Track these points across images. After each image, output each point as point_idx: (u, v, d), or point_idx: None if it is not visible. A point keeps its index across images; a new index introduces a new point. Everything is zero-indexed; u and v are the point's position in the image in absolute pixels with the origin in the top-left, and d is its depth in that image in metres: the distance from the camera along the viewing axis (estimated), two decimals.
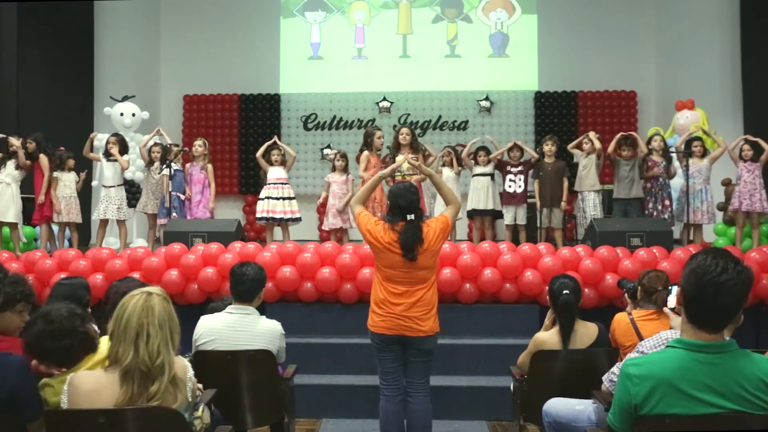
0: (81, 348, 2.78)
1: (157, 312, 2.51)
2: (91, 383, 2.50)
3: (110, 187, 7.90)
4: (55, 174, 7.84)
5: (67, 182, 7.85)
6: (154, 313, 2.50)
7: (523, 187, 8.06)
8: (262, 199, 7.92)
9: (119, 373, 2.46)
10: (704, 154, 7.86)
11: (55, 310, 2.82)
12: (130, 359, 2.45)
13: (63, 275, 6.08)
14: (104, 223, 7.96)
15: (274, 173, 7.94)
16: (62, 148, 8.04)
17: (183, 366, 2.60)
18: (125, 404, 2.46)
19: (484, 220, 8.27)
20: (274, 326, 3.85)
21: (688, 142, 7.96)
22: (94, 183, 9.22)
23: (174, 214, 7.77)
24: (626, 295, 4.25)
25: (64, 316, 2.77)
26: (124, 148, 8.06)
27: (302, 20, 12.38)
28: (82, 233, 8.59)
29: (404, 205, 3.87)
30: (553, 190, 7.87)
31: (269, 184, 7.93)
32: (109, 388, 2.47)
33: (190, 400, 2.60)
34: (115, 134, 8.27)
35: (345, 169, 8.06)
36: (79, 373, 2.56)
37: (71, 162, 7.93)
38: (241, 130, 12.23)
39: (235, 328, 3.76)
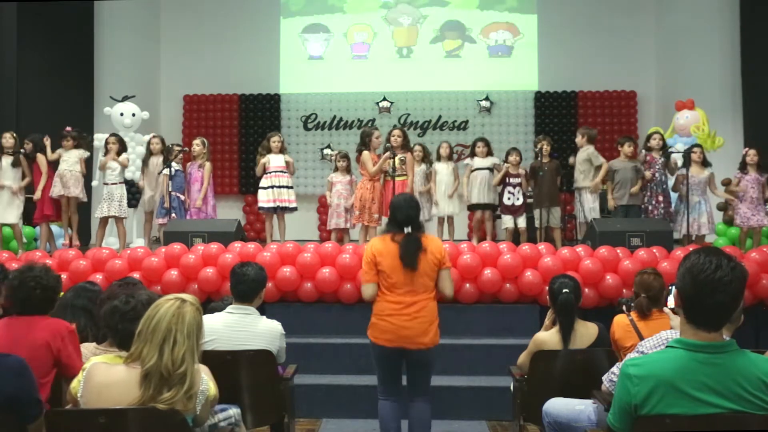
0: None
1: (188, 320, 2.51)
2: (104, 377, 2.50)
3: (112, 184, 7.92)
4: (57, 151, 7.88)
5: (66, 157, 7.84)
6: (184, 321, 2.50)
7: (521, 200, 8.07)
8: (266, 188, 7.88)
9: (141, 373, 2.46)
10: (704, 161, 7.80)
11: (137, 294, 2.87)
12: (153, 362, 2.44)
13: (63, 275, 6.11)
14: (104, 222, 7.96)
15: (276, 161, 7.92)
16: (68, 128, 8.02)
17: (200, 378, 2.59)
18: (138, 405, 2.45)
19: (483, 213, 8.28)
20: (274, 326, 3.85)
21: (688, 151, 7.88)
22: (94, 183, 9.22)
23: (173, 214, 7.78)
24: (624, 308, 4.21)
25: (142, 301, 2.81)
26: (123, 148, 8.08)
27: (300, 19, 12.34)
28: (83, 234, 8.59)
29: (401, 219, 3.94)
30: (550, 190, 7.87)
31: (271, 172, 7.90)
32: (123, 385, 2.47)
33: (198, 413, 2.58)
34: (114, 134, 8.28)
35: (347, 170, 8.07)
36: (98, 364, 2.56)
37: (68, 143, 7.89)
38: (241, 130, 12.23)
39: (236, 328, 3.76)
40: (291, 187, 8.00)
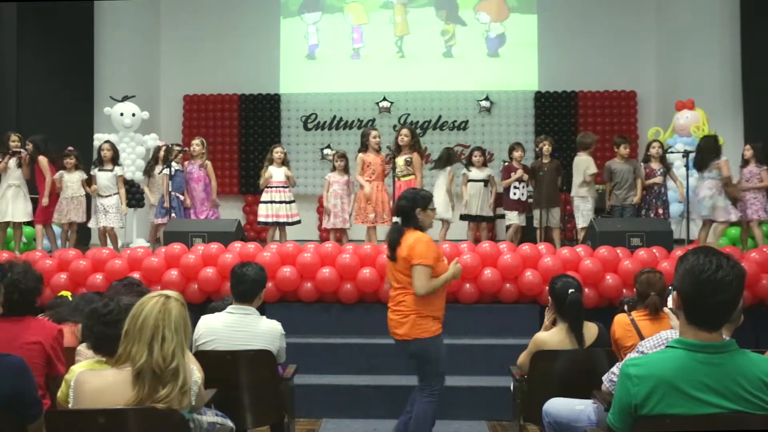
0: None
1: (174, 316, 2.51)
2: (95, 382, 2.50)
3: (106, 196, 7.95)
4: (56, 175, 7.85)
5: (69, 183, 7.85)
6: (171, 316, 2.50)
7: (526, 195, 8.07)
8: (266, 203, 7.96)
9: (132, 373, 2.46)
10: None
11: (117, 299, 2.92)
12: (143, 360, 2.44)
13: (63, 275, 6.12)
14: (103, 230, 8.00)
15: (278, 175, 7.97)
16: (70, 148, 8.03)
17: (191, 370, 2.60)
18: (135, 405, 2.45)
19: (478, 225, 8.29)
20: (274, 326, 3.85)
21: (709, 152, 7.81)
22: (93, 187, 9.22)
23: (173, 214, 7.79)
24: (625, 307, 4.21)
25: (120, 306, 2.84)
26: (116, 156, 8.11)
27: (300, 20, 12.36)
28: (83, 233, 8.59)
29: (394, 211, 4.26)
30: (550, 190, 7.87)
31: (272, 187, 7.97)
32: (115, 387, 2.47)
33: (194, 404, 2.59)
34: (108, 141, 8.30)
35: (345, 170, 8.07)
36: (86, 371, 2.56)
37: (71, 161, 7.91)
38: (241, 130, 12.22)
39: (236, 328, 3.76)
40: (292, 201, 8.04)
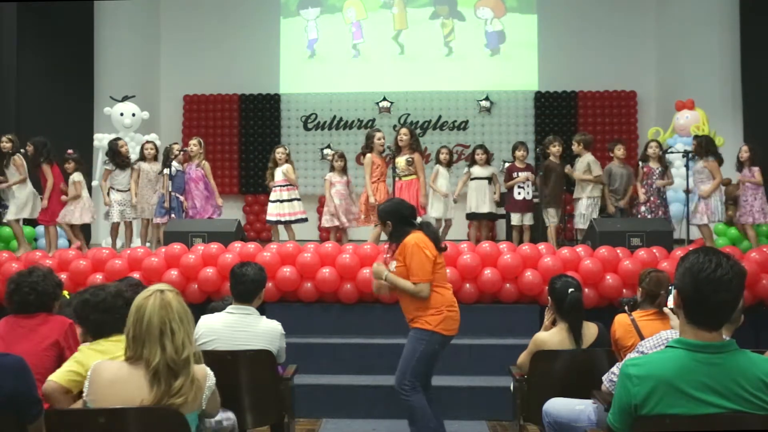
0: (115, 327, 2.96)
1: (175, 307, 2.52)
2: (111, 374, 2.50)
3: (124, 191, 8.04)
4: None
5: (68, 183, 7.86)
6: (173, 308, 2.51)
7: (531, 195, 8.04)
8: (273, 202, 8.00)
9: (148, 374, 2.45)
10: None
11: (106, 286, 3.15)
12: (158, 359, 2.44)
13: (63, 275, 6.11)
14: (116, 225, 8.10)
15: (279, 175, 8.02)
16: (70, 151, 8.03)
17: (204, 374, 2.59)
18: (154, 404, 2.45)
19: (481, 223, 8.28)
20: (274, 326, 3.85)
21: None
22: (94, 183, 9.21)
23: (173, 214, 7.79)
24: (626, 308, 4.20)
25: (111, 293, 3.05)
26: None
27: (300, 18, 12.36)
28: (83, 233, 8.59)
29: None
30: (557, 190, 7.86)
31: (277, 186, 8.02)
32: (130, 381, 2.47)
33: (204, 407, 2.59)
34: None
35: (344, 170, 8.08)
36: (104, 362, 2.57)
37: (71, 165, 7.90)
38: (241, 130, 12.23)
39: (236, 328, 3.76)
40: (294, 200, 8.03)
